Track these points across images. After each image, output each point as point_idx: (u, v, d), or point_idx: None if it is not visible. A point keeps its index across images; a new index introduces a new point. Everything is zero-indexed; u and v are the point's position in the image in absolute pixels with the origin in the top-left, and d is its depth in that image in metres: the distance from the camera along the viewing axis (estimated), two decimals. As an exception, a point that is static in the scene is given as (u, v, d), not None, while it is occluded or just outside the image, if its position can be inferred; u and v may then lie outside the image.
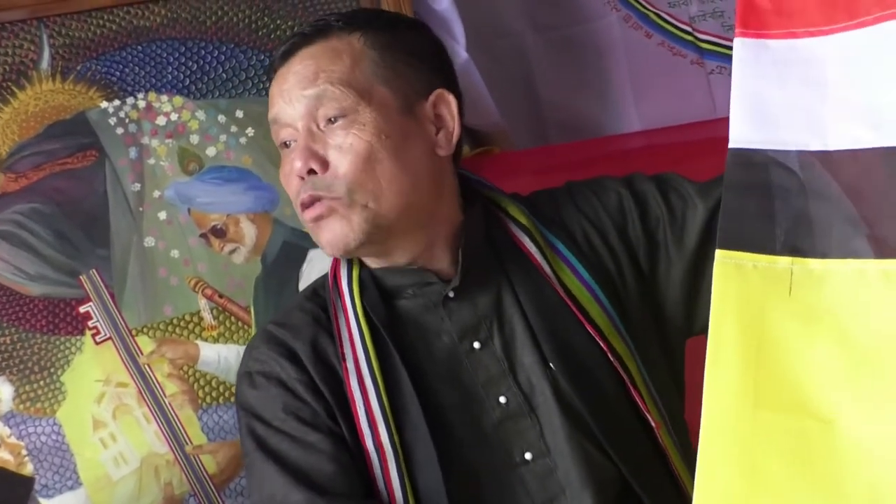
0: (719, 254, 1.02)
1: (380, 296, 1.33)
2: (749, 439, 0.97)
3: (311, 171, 1.27)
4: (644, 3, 2.27)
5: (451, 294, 1.32)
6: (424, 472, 1.25)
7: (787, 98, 1.04)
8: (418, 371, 1.29)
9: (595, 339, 1.29)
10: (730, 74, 1.09)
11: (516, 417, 1.29)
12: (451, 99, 1.34)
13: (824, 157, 1.01)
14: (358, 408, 1.27)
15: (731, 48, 1.10)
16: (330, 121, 1.27)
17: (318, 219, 1.28)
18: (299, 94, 1.28)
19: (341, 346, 1.30)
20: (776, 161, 1.02)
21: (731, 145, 1.04)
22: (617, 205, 1.38)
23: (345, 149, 1.26)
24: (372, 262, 1.35)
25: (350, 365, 1.29)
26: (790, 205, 1.01)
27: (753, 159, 1.03)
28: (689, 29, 2.28)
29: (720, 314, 1.01)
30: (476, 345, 1.31)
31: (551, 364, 1.29)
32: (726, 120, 1.07)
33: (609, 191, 1.40)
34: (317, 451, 1.26)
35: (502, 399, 1.29)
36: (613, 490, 1.27)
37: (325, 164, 1.27)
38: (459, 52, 2.06)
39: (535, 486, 1.27)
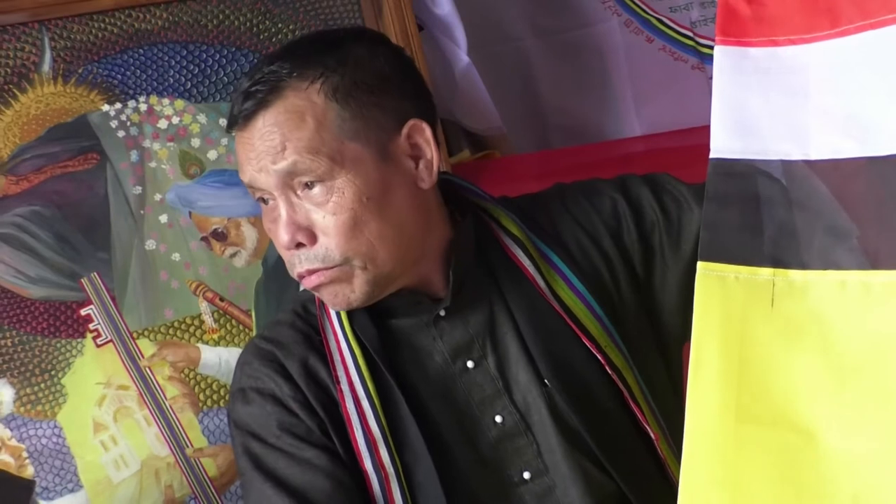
0: (701, 266, 1.01)
1: (369, 316, 1.31)
2: (732, 453, 0.96)
3: (300, 245, 1.23)
4: (645, 7, 2.28)
5: (442, 313, 1.31)
6: (425, 493, 1.24)
7: (768, 107, 1.02)
8: (413, 391, 1.28)
9: (591, 351, 1.28)
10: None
11: (513, 437, 1.28)
12: (425, 126, 1.27)
13: (806, 166, 0.99)
14: (355, 430, 1.26)
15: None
16: (307, 185, 1.22)
17: (316, 287, 1.26)
18: (270, 166, 1.21)
19: (334, 368, 1.29)
20: (760, 170, 1.01)
21: (712, 155, 1.03)
22: (611, 210, 1.36)
23: (328, 220, 1.21)
24: None
25: (345, 388, 1.28)
26: (774, 215, 1.00)
27: (736, 169, 1.01)
28: (690, 34, 2.29)
29: (702, 327, 1.00)
30: (469, 364, 1.30)
31: (546, 381, 1.28)
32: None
33: (602, 195, 1.38)
34: (313, 467, 1.25)
35: (498, 418, 1.29)
36: None
37: (311, 237, 1.23)
38: (461, 56, 2.07)
39: None
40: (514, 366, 1.30)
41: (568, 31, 2.28)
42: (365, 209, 1.22)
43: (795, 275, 0.98)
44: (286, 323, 1.36)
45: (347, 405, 1.27)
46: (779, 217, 1.00)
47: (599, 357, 1.28)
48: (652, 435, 1.28)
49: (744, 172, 1.01)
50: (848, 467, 0.93)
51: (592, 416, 1.27)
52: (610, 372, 1.28)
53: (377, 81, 1.25)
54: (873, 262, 0.95)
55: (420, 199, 1.28)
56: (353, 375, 1.27)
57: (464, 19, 2.06)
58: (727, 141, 1.02)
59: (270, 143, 1.21)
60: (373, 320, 1.31)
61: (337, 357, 1.29)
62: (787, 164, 1.00)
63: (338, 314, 1.31)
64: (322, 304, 1.33)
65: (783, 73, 1.03)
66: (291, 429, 1.27)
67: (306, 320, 1.35)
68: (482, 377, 1.30)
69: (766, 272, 0.99)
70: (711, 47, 2.22)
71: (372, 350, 1.28)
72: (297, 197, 1.23)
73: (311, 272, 1.24)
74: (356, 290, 1.25)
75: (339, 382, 1.28)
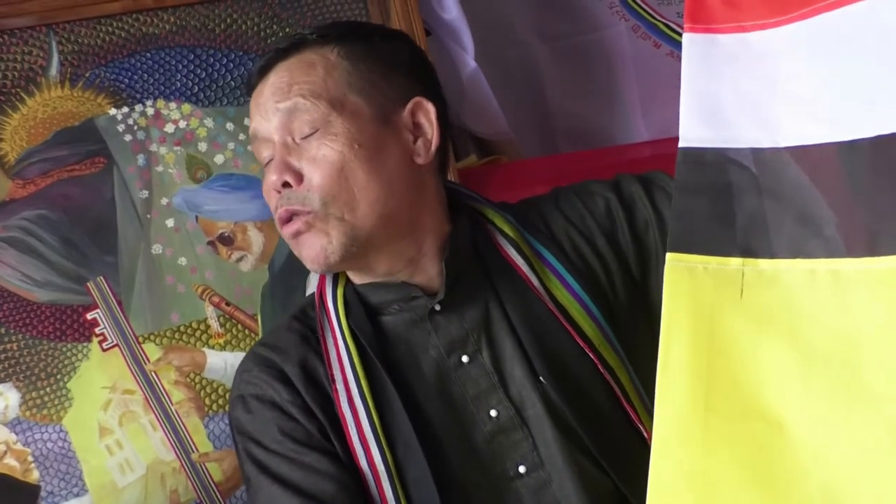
0: (670, 257, 0.99)
1: (365, 313, 1.32)
2: (701, 444, 0.95)
3: (287, 185, 1.26)
4: (653, 12, 2.27)
5: (438, 308, 1.31)
6: (419, 489, 1.24)
7: (737, 94, 1.00)
8: (408, 388, 1.29)
9: (585, 351, 1.28)
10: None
11: (508, 431, 1.28)
12: (430, 107, 1.32)
13: (776, 154, 0.98)
14: (350, 428, 1.26)
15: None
16: (305, 134, 1.27)
17: (296, 234, 1.28)
18: (274, 107, 1.28)
19: (330, 367, 1.29)
20: (730, 159, 0.99)
21: (681, 144, 1.01)
22: (604, 210, 1.37)
23: (318, 160, 1.25)
24: (356, 278, 1.34)
25: (340, 386, 1.28)
26: (744, 204, 0.98)
27: (705, 158, 1.00)
28: (697, 39, 2.28)
29: (671, 319, 0.98)
30: (464, 359, 1.30)
31: (541, 377, 1.28)
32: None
33: (595, 196, 1.39)
34: (315, 471, 1.25)
35: (493, 413, 1.29)
36: (609, 502, 1.27)
37: (299, 178, 1.26)
38: (468, 61, 2.07)
39: (530, 500, 1.27)
40: (509, 361, 1.30)
41: (575, 36, 2.28)
42: (354, 156, 1.25)
43: (765, 264, 0.96)
44: (284, 327, 1.38)
45: (342, 404, 1.27)
46: (749, 206, 0.98)
47: (593, 357, 1.28)
48: (645, 433, 1.28)
49: (714, 161, 0.99)
50: (816, 457, 0.91)
51: (587, 412, 1.27)
52: (603, 371, 1.28)
53: (391, 59, 1.33)
54: (842, 250, 0.93)
55: (413, 173, 1.31)
56: (348, 373, 1.28)
57: (471, 24, 2.06)
58: (696, 129, 1.01)
59: (278, 86, 1.28)
60: (369, 317, 1.32)
61: (333, 355, 1.30)
62: (757, 152, 0.99)
63: (335, 309, 1.32)
64: (322, 303, 1.34)
65: (751, 59, 1.01)
66: (291, 434, 1.28)
67: (304, 322, 1.37)
68: (477, 372, 1.30)
69: (735, 262, 0.97)
70: (719, 52, 2.23)
71: (366, 343, 1.29)
72: (294, 143, 1.27)
73: (289, 213, 1.27)
74: (333, 242, 1.26)
75: (334, 382, 1.29)
